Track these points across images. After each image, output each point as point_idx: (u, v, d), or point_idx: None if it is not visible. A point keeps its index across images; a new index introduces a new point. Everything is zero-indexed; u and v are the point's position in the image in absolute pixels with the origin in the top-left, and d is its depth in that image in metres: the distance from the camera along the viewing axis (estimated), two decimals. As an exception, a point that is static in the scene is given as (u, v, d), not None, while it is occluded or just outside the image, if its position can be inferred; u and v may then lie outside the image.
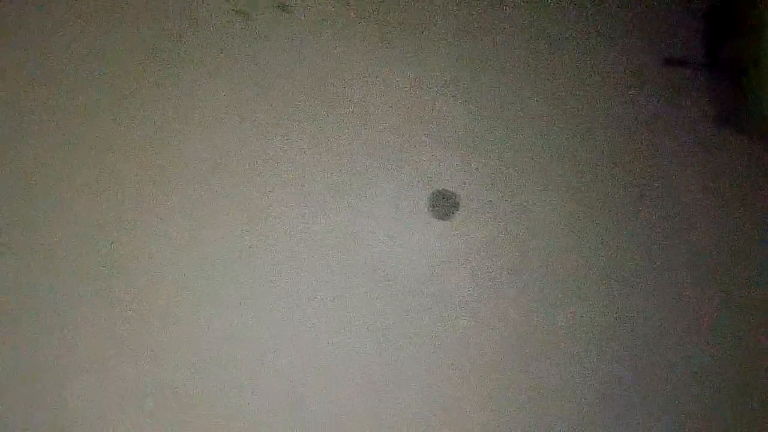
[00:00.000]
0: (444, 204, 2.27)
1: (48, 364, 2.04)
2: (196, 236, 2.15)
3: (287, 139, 2.23)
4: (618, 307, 2.28)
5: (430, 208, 2.27)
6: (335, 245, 2.20)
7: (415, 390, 2.17)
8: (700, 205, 2.35)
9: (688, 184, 2.37)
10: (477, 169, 2.30)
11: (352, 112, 2.27)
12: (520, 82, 2.34)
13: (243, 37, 2.24)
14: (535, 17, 2.37)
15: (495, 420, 2.19)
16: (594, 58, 2.38)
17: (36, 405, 2.02)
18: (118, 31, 2.20)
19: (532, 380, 2.22)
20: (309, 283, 2.18)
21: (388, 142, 2.27)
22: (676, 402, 2.24)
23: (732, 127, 2.39)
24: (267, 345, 2.14)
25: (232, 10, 2.21)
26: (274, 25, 2.25)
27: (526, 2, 2.37)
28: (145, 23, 2.20)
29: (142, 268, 2.12)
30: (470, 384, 2.20)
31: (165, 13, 2.21)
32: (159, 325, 2.11)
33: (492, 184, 2.30)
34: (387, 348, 2.18)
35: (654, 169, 2.36)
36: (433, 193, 2.27)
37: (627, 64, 2.39)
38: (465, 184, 2.28)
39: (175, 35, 2.20)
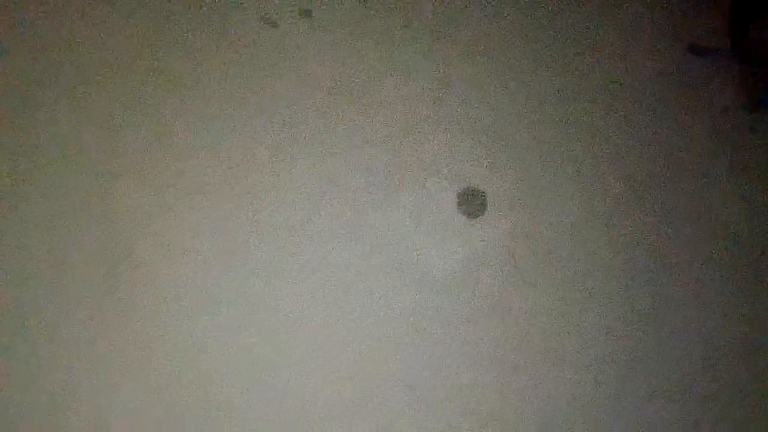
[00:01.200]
0: (472, 202, 2.29)
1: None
2: (225, 238, 2.17)
3: (315, 141, 2.24)
4: (651, 302, 2.29)
5: (459, 207, 2.29)
6: (363, 245, 2.23)
7: (446, 388, 2.21)
8: (728, 194, 2.35)
9: (716, 174, 2.36)
10: (504, 166, 2.31)
11: (378, 112, 2.28)
12: (545, 77, 2.34)
13: (270, 44, 2.25)
14: (558, 10, 2.37)
15: (532, 417, 2.22)
16: (619, 50, 2.37)
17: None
18: (143, 37, 2.21)
19: (564, 376, 2.24)
20: (338, 283, 2.20)
21: (415, 140, 2.29)
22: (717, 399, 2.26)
23: (758, 114, 2.38)
24: (291, 346, 2.17)
25: (260, 19, 2.23)
26: (298, 30, 2.26)
27: (549, -4, 2.36)
28: (173, 33, 2.21)
29: (160, 266, 2.14)
30: (503, 381, 2.23)
31: (195, 25, 2.23)
32: (180, 320, 2.14)
33: (519, 182, 2.31)
34: (418, 347, 2.21)
35: (682, 159, 2.36)
36: (460, 192, 2.29)
37: (652, 53, 2.38)
38: (493, 181, 2.30)
39: (205, 45, 2.22)
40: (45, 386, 2.04)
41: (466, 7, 2.34)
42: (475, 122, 2.31)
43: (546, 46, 2.35)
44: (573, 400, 2.24)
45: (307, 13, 2.26)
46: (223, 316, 2.15)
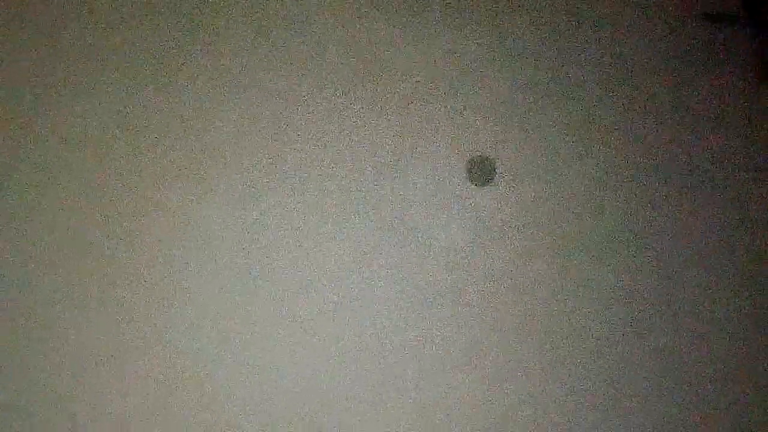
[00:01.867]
0: (481, 170, 2.28)
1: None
2: (228, 217, 2.18)
3: (321, 113, 2.24)
4: (658, 273, 2.29)
5: (468, 175, 2.28)
6: (371, 216, 2.23)
7: (456, 359, 2.21)
8: (741, 164, 2.33)
9: (730, 143, 2.35)
10: (514, 135, 2.30)
11: (387, 81, 2.27)
12: (555, 46, 2.32)
13: (277, 15, 2.23)
14: (569, -23, 2.34)
15: (539, 386, 2.23)
16: (630, 18, 2.34)
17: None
18: (145, 17, 2.20)
19: (574, 346, 2.25)
20: (347, 255, 2.21)
21: (423, 109, 2.27)
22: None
23: (772, 82, 2.35)
24: (299, 316, 2.18)
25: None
26: (309, 8, 2.24)
27: (560, -38, 2.33)
28: (170, 18, 2.21)
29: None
30: (512, 351, 2.23)
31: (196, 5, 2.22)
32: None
33: (529, 150, 2.30)
34: (428, 318, 2.22)
35: (694, 129, 2.34)
36: (470, 160, 2.28)
37: (664, 21, 2.35)
38: (502, 150, 2.29)
39: (207, 24, 2.21)
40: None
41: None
42: (484, 91, 2.30)
43: (556, 16, 2.33)
44: (581, 371, 2.24)
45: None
46: (229, 293, 2.16)
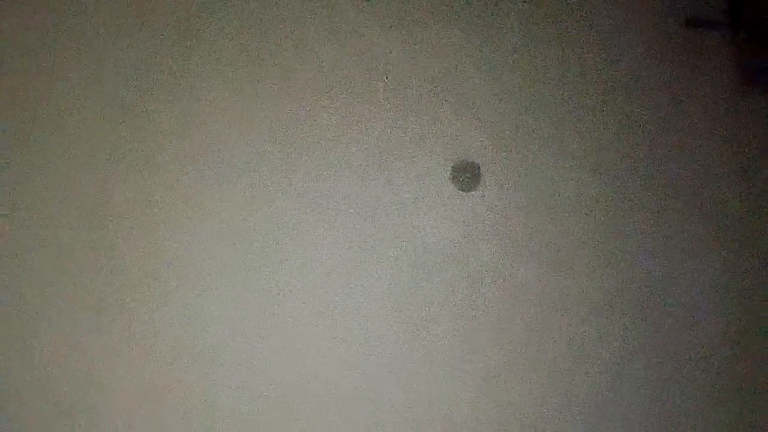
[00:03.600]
0: (466, 175, 2.30)
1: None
2: (214, 202, 2.19)
3: (309, 116, 2.25)
4: (644, 276, 2.30)
5: (453, 179, 2.30)
6: (358, 218, 2.24)
7: (443, 361, 2.22)
8: (723, 168, 2.35)
9: (713, 148, 2.36)
10: (499, 139, 2.31)
11: (373, 85, 2.28)
12: (541, 50, 2.34)
13: (269, 13, 2.25)
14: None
15: (528, 388, 2.24)
16: (614, 22, 2.36)
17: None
18: (144, 17, 2.22)
19: (560, 347, 2.26)
20: (331, 255, 2.21)
21: (410, 113, 2.29)
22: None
23: (757, 87, 2.37)
24: (289, 316, 2.19)
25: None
26: (300, 6, 2.27)
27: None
28: (177, 17, 2.22)
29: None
30: (500, 353, 2.24)
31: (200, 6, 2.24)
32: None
33: (514, 155, 2.31)
34: (412, 321, 2.23)
35: (677, 133, 2.36)
36: (455, 165, 2.30)
37: (648, 27, 2.37)
38: (487, 154, 2.30)
39: (208, 24, 2.22)
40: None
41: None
42: (470, 95, 2.31)
43: (542, 21, 2.35)
44: (569, 371, 2.25)
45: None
46: (224, 293, 2.17)
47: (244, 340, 2.15)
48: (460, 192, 2.29)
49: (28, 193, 2.11)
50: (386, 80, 2.29)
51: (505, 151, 2.31)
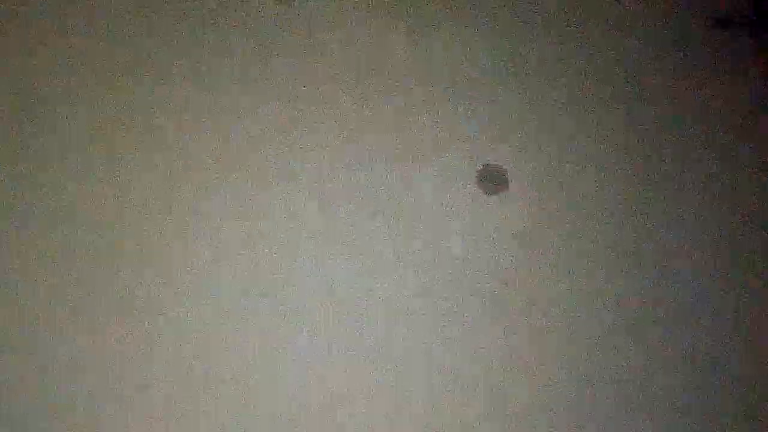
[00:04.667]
0: (492, 180, 2.27)
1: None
2: (239, 222, 2.19)
3: (332, 120, 2.25)
4: (672, 281, 2.27)
5: (478, 184, 2.27)
6: (383, 223, 2.22)
7: (465, 367, 2.20)
8: (757, 174, 2.32)
9: (744, 153, 2.33)
10: (524, 143, 2.29)
11: (397, 89, 2.28)
12: (566, 54, 2.33)
13: (286, 21, 2.25)
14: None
15: (558, 397, 2.20)
16: (641, 25, 2.35)
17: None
18: (150, 17, 2.23)
19: (587, 355, 2.22)
20: (354, 261, 2.20)
21: (435, 118, 2.28)
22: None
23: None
24: (307, 323, 2.17)
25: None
26: (316, 9, 2.26)
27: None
28: (180, 7, 2.22)
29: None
30: (525, 361, 2.21)
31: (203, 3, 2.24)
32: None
33: (540, 159, 2.29)
34: (437, 326, 2.20)
35: (706, 136, 2.34)
36: (480, 169, 2.28)
37: (674, 28, 2.36)
38: (513, 159, 2.28)
39: (215, 24, 2.23)
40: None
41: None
42: (495, 99, 2.30)
43: (566, 23, 2.34)
44: (596, 378, 2.22)
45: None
46: (240, 299, 2.16)
47: (255, 349, 2.13)
48: (486, 196, 2.27)
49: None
50: (409, 85, 2.28)
51: (531, 155, 2.29)
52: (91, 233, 2.12)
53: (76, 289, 2.09)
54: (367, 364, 2.16)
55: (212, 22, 2.23)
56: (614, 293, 2.25)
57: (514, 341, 2.21)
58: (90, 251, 2.11)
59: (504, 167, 2.28)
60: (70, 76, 2.16)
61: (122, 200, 2.14)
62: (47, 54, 2.15)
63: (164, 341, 2.10)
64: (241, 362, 2.12)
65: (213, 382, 2.11)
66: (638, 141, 2.32)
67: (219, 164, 2.19)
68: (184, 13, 2.22)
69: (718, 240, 2.29)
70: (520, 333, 2.22)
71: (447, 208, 2.25)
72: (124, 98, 2.17)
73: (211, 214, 2.16)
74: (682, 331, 2.25)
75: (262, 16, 2.25)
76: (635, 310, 2.24)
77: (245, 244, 2.16)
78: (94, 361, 2.07)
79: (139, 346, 2.09)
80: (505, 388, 2.19)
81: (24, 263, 2.08)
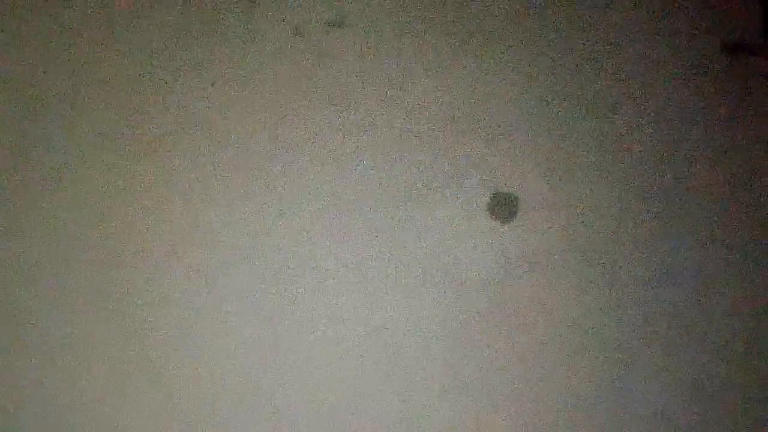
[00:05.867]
0: (504, 206, 2.29)
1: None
2: (246, 241, 2.19)
3: (344, 146, 2.24)
4: (688, 302, 2.30)
5: (491, 211, 2.29)
6: (394, 251, 2.24)
7: (479, 393, 2.23)
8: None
9: (756, 173, 2.35)
10: (536, 169, 2.30)
11: (408, 116, 2.27)
12: (577, 79, 2.32)
13: (299, 52, 2.24)
14: (588, 9, 2.34)
15: (568, 419, 2.25)
16: (650, 50, 2.34)
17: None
18: (170, 49, 2.21)
19: (602, 380, 2.26)
20: (367, 289, 2.22)
21: (445, 144, 2.28)
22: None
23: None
24: (313, 350, 2.19)
25: (290, 30, 2.23)
26: (327, 38, 2.25)
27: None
28: (201, 40, 2.21)
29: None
30: (539, 386, 2.25)
31: (221, 33, 2.22)
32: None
33: (552, 184, 2.30)
34: (450, 353, 2.23)
35: (721, 158, 2.34)
36: (492, 195, 2.29)
37: (683, 53, 2.35)
38: (524, 185, 2.29)
39: (231, 55, 2.21)
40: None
41: (500, 9, 2.31)
42: (506, 126, 2.30)
43: (577, 47, 2.33)
44: (617, 401, 2.26)
45: (339, 23, 2.25)
46: (241, 320, 2.18)
47: (265, 369, 2.16)
48: (498, 224, 2.29)
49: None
50: (418, 113, 2.27)
51: (543, 183, 2.30)
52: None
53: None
54: (371, 393, 2.19)
55: (221, 33, 2.21)
56: (634, 317, 2.28)
57: (529, 369, 2.25)
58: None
59: (516, 194, 2.29)
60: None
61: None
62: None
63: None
64: (245, 370, 2.15)
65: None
66: (653, 165, 2.33)
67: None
68: (190, 14, 2.19)
69: (733, 257, 2.32)
70: (534, 361, 2.25)
71: (460, 237, 2.27)
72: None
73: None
74: (703, 347, 2.28)
75: (281, 47, 2.24)
76: (659, 331, 2.27)
77: (252, 255, 2.17)
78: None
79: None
80: (521, 411, 2.23)
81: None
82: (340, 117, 2.24)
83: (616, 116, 2.33)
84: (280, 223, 2.19)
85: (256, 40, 2.21)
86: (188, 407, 2.11)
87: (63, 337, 2.08)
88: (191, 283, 2.14)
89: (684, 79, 2.35)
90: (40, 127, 2.11)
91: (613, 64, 2.34)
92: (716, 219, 2.33)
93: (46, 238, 2.09)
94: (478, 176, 2.29)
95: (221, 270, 2.15)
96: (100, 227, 2.11)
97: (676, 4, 2.36)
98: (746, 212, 2.34)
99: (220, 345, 2.14)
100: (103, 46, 2.15)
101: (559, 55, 2.32)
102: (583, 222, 2.30)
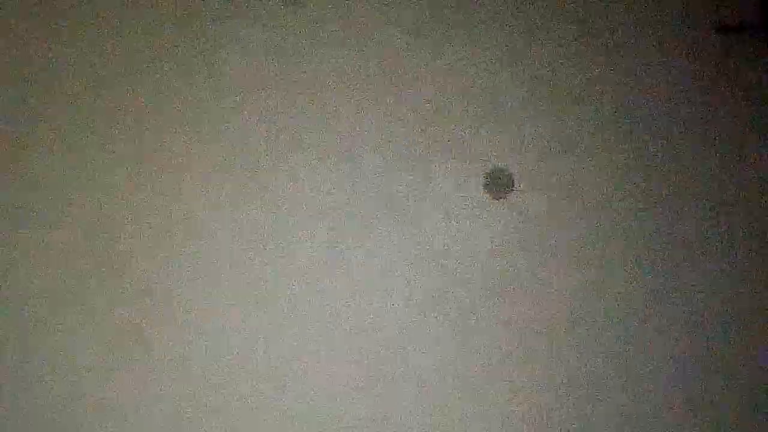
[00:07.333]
0: (499, 183, 2.29)
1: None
2: (242, 225, 2.19)
3: (338, 124, 2.24)
4: (678, 281, 2.31)
5: (485, 188, 2.29)
6: (389, 227, 2.24)
7: (472, 371, 2.23)
8: (762, 179, 2.35)
9: (751, 158, 2.36)
10: (532, 147, 2.30)
11: (402, 93, 2.27)
12: (571, 57, 2.32)
13: (293, 25, 2.23)
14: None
15: (562, 396, 2.25)
16: (647, 32, 2.35)
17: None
18: (149, 16, 2.20)
19: (594, 357, 2.27)
20: (363, 266, 2.22)
21: (440, 121, 2.28)
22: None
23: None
24: (320, 328, 2.20)
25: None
26: (323, 12, 2.24)
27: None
28: (187, 7, 2.20)
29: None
30: (535, 363, 2.25)
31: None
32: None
33: (547, 161, 2.31)
34: (444, 330, 2.23)
35: (713, 139, 2.35)
36: (487, 173, 2.29)
37: (678, 34, 2.36)
38: (519, 162, 2.30)
39: (225, 24, 2.20)
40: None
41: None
42: (503, 104, 2.30)
43: (571, 27, 2.33)
44: (603, 380, 2.27)
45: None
46: (250, 296, 2.17)
47: (264, 349, 2.15)
48: (494, 200, 2.28)
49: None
50: (418, 90, 2.27)
51: (538, 160, 2.30)
52: (90, 234, 2.12)
53: (76, 289, 2.10)
54: (378, 363, 2.19)
55: (216, 21, 2.21)
56: (625, 295, 2.28)
57: (524, 344, 2.25)
58: (89, 252, 2.11)
59: (510, 171, 2.29)
60: (70, 78, 2.14)
61: (122, 202, 2.14)
62: (46, 55, 2.13)
63: (165, 342, 2.12)
64: (251, 359, 2.15)
65: (219, 385, 2.13)
66: (647, 145, 2.33)
67: (223, 164, 2.18)
68: (185, 12, 2.19)
69: (726, 244, 2.33)
70: (529, 335, 2.25)
71: (455, 212, 2.27)
72: (124, 100, 2.15)
73: (218, 209, 2.17)
74: (692, 329, 2.29)
75: (270, 18, 2.23)
76: (648, 311, 2.28)
77: (255, 240, 2.17)
78: (95, 361, 2.09)
79: (139, 346, 2.11)
80: (517, 387, 2.23)
81: (24, 263, 2.08)
82: (333, 95, 2.23)
83: (613, 98, 2.33)
84: (277, 203, 2.19)
85: (247, 7, 2.21)
86: (179, 392, 2.11)
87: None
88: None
89: (678, 59, 2.36)
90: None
91: (611, 48, 2.34)
92: (709, 195, 2.34)
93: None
94: (475, 152, 2.28)
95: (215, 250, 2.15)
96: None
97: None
98: (740, 184, 2.35)
99: (218, 336, 2.14)
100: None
101: (554, 36, 2.33)
102: (577, 200, 2.30)
